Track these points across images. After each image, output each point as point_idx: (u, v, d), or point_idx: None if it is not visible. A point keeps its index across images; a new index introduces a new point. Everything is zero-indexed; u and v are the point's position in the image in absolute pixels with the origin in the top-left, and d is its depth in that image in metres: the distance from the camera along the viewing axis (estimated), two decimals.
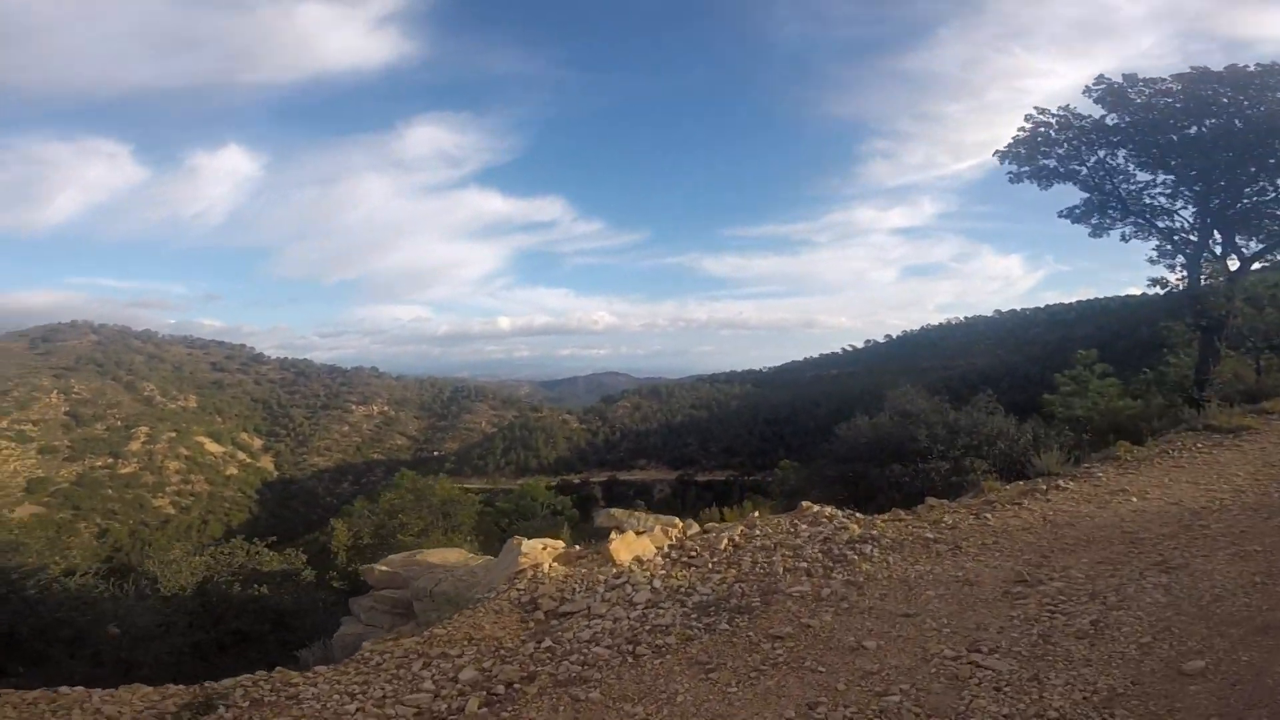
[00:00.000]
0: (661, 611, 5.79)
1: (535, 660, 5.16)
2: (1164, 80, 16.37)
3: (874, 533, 7.33)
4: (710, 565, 6.89)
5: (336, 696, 4.84)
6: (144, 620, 10.78)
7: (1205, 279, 17.73)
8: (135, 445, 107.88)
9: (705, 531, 8.47)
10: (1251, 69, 15.42)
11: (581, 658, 5.09)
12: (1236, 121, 15.78)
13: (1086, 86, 16.98)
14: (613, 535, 8.08)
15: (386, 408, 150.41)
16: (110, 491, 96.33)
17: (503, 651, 5.39)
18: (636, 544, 7.46)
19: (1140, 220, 18.29)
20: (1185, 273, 17.77)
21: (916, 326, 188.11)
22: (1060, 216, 18.95)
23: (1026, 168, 18.16)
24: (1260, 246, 17.55)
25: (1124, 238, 18.46)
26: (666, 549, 7.64)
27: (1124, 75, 16.59)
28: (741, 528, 8.06)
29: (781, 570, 6.45)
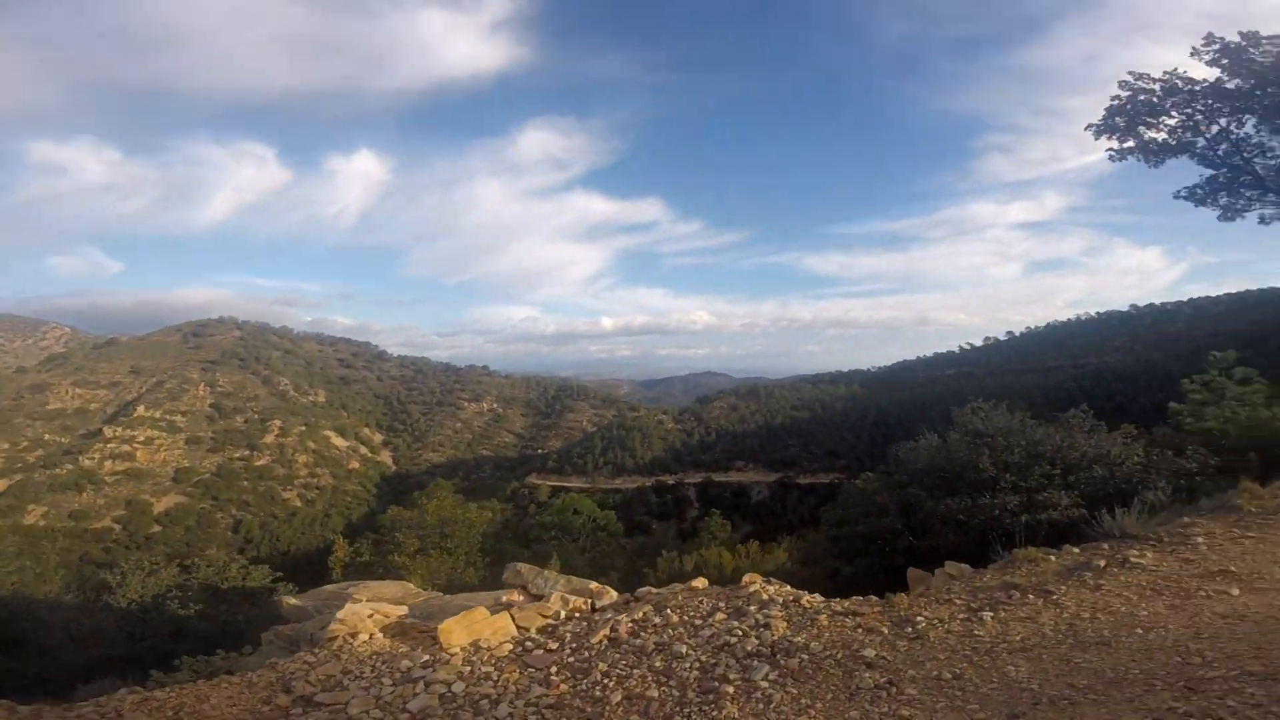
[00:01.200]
0: None
1: None
2: None
3: (798, 639, 5.18)
4: (551, 670, 5.07)
5: None
6: (73, 633, 10.48)
7: None
8: (269, 438, 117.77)
9: (629, 602, 6.56)
10: None
11: None
12: None
13: (1194, 48, 13.52)
14: (496, 603, 6.41)
15: (495, 405, 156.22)
16: (245, 483, 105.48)
17: None
18: (484, 625, 5.75)
19: None
20: None
21: (1042, 323, 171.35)
22: (1177, 197, 15.18)
23: (1130, 142, 14.77)
24: None
25: (1264, 220, 14.46)
26: (534, 632, 5.84)
27: (1241, 33, 12.94)
28: (646, 608, 6.14)
29: (620, 698, 4.47)
